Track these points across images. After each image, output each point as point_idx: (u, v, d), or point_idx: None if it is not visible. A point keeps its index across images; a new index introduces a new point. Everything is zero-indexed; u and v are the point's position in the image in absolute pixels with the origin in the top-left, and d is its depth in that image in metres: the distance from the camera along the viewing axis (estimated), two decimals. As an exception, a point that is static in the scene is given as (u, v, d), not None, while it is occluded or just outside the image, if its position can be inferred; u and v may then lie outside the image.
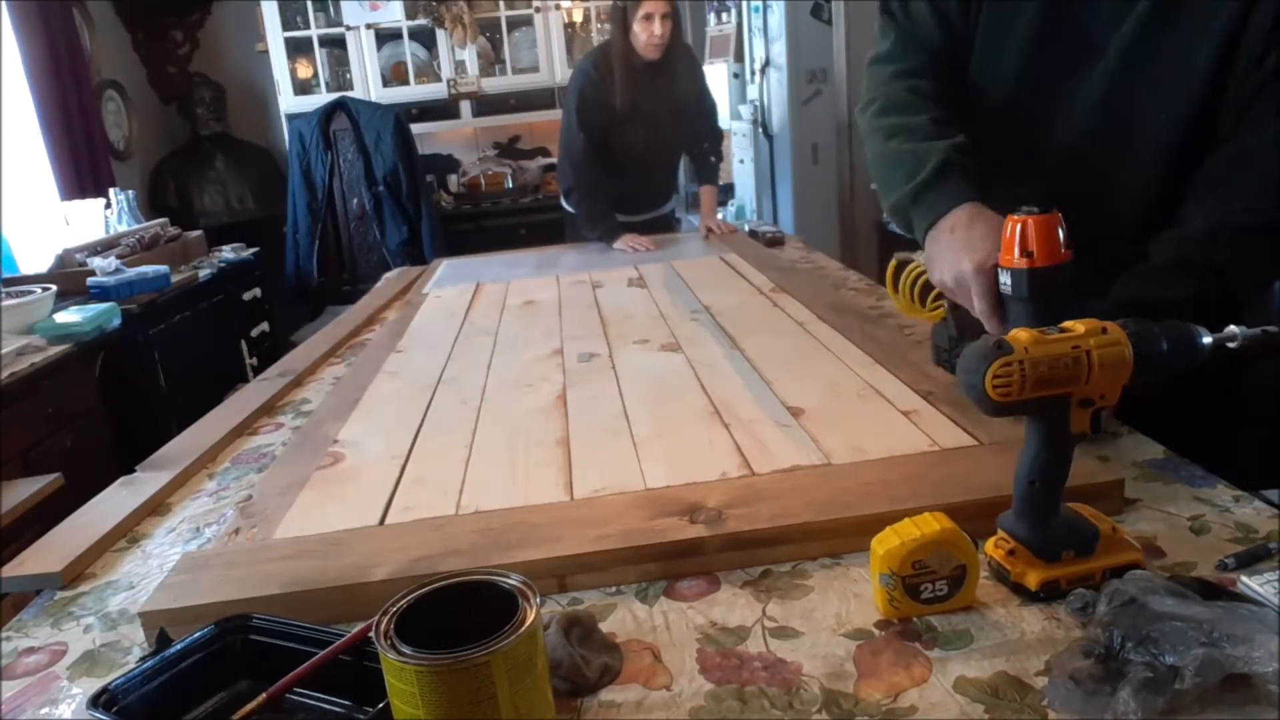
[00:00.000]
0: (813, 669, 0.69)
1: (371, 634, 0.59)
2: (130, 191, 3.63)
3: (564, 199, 2.83)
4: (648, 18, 2.49)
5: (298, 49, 4.44)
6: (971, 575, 0.74)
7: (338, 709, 0.71)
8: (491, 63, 4.67)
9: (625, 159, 2.75)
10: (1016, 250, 0.88)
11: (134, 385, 2.77)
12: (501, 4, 4.50)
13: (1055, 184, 1.15)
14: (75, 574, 0.98)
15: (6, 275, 3.00)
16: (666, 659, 0.73)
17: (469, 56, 4.49)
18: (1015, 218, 0.89)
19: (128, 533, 1.08)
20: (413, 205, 4.19)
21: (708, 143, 2.92)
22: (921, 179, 1.10)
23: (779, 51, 4.79)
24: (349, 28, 4.39)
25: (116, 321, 2.66)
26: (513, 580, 0.63)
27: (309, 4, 4.36)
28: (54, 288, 2.67)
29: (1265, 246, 1.01)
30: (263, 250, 3.83)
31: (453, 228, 4.42)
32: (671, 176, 3.05)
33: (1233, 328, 0.74)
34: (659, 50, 2.54)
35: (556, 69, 4.55)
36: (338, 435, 1.28)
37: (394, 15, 4.40)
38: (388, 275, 2.72)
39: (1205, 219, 1.03)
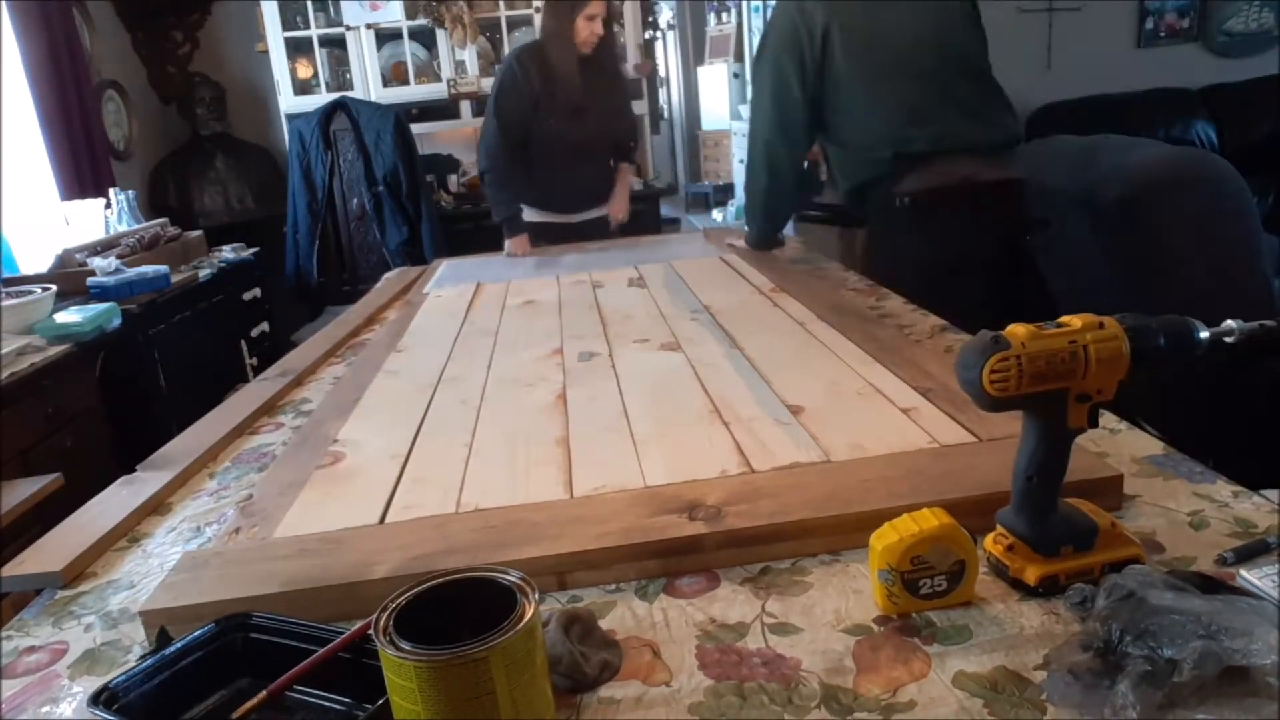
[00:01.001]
0: (812, 664, 0.70)
1: (371, 631, 0.59)
2: (130, 191, 3.62)
3: (480, 181, 2.94)
4: (590, 17, 2.66)
5: (298, 49, 4.44)
6: (970, 571, 0.74)
7: (338, 706, 0.71)
8: (491, 63, 4.66)
9: (556, 151, 2.80)
10: None
11: (134, 385, 2.77)
12: (501, 4, 4.50)
13: None
14: (76, 573, 0.98)
15: (6, 275, 3.00)
16: (666, 655, 0.73)
17: (469, 56, 4.49)
18: None
19: (128, 532, 1.08)
20: (413, 205, 4.19)
21: (632, 142, 3.14)
22: None
23: (778, 51, 4.78)
24: (349, 28, 4.39)
25: (116, 321, 2.66)
26: (511, 577, 0.63)
27: (309, 4, 4.36)
28: (54, 288, 2.67)
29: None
30: (263, 250, 3.83)
31: (453, 228, 4.42)
32: (607, 178, 3.07)
33: (1230, 322, 0.75)
34: (592, 47, 2.70)
35: (556, 69, 4.54)
36: (338, 435, 1.28)
37: (394, 15, 4.40)
38: (388, 275, 2.72)
39: None
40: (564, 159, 2.83)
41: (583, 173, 2.94)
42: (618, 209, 3.01)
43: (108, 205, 3.49)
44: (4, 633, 0.88)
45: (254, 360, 3.59)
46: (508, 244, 2.73)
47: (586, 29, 2.66)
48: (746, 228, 2.33)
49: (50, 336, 2.48)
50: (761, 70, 2.04)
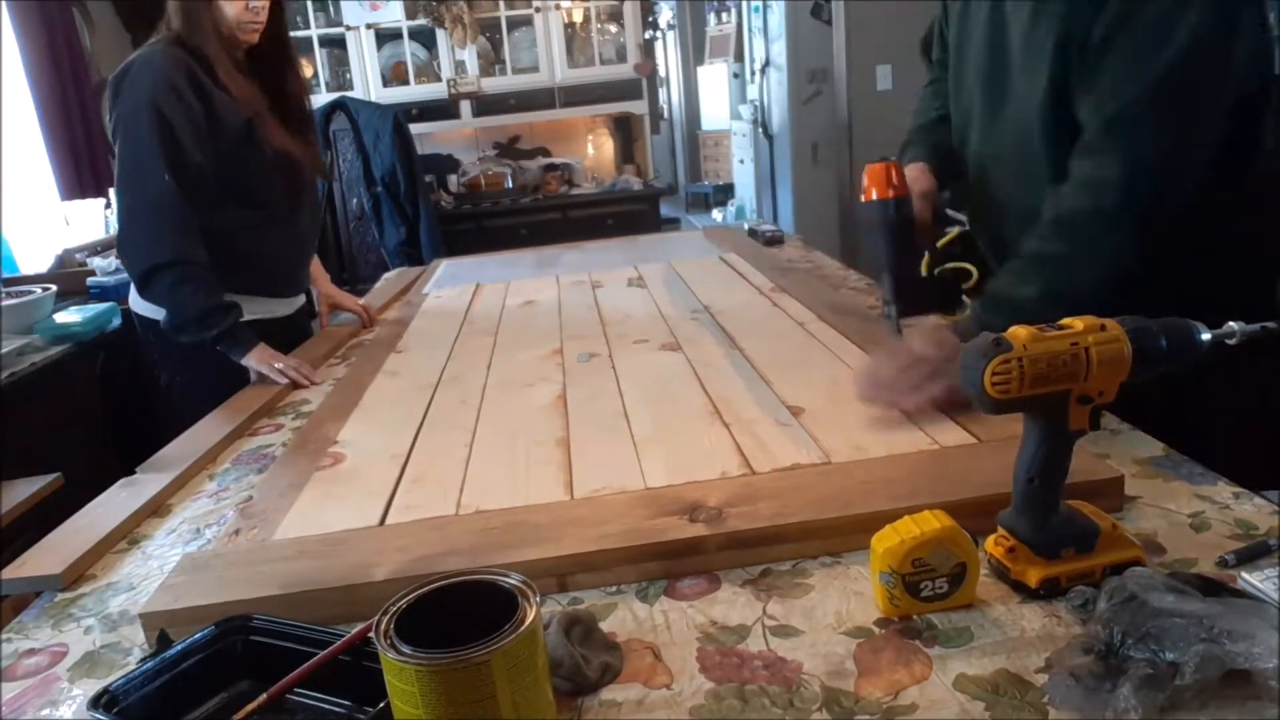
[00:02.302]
0: (813, 667, 0.69)
1: (371, 634, 0.59)
2: (130, 192, 3.62)
3: (141, 288, 1.72)
4: None
5: (298, 49, 4.44)
6: (971, 573, 0.74)
7: (338, 709, 0.71)
8: (491, 63, 4.67)
9: (253, 204, 1.76)
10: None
11: (134, 385, 2.77)
12: (501, 4, 4.50)
13: (974, 187, 1.37)
14: (76, 575, 0.98)
15: (6, 275, 3.00)
16: (667, 658, 0.73)
17: (469, 56, 4.49)
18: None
19: (128, 534, 1.08)
20: (411, 206, 4.19)
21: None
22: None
23: (779, 51, 4.80)
24: (349, 28, 4.40)
25: (116, 321, 2.65)
26: (512, 579, 0.63)
27: (309, 4, 4.37)
28: (54, 288, 2.67)
29: (1091, 232, 1.07)
30: (263, 250, 3.82)
31: (453, 228, 4.43)
32: (315, 240, 2.05)
33: (1231, 324, 0.75)
34: (256, 33, 1.72)
35: (556, 69, 4.55)
36: (338, 435, 1.28)
37: (394, 15, 4.41)
38: (387, 275, 2.72)
39: (1047, 213, 1.11)
40: (265, 211, 1.79)
41: (292, 235, 1.88)
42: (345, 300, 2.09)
43: (108, 205, 3.49)
44: (4, 635, 0.88)
45: (254, 360, 3.58)
46: (256, 361, 1.63)
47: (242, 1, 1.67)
48: (1013, 292, 1.12)
49: (50, 336, 2.48)
50: None
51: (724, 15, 6.50)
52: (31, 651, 0.85)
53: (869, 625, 0.74)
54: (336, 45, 4.50)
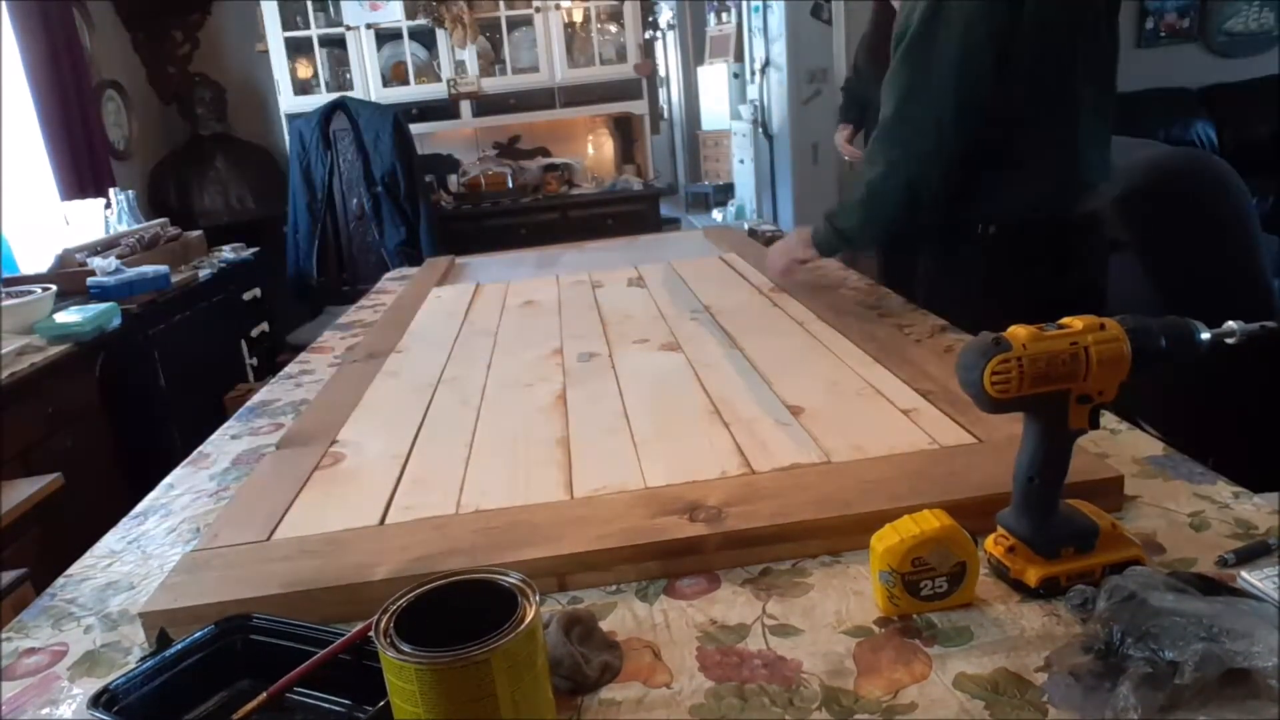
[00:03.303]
0: (813, 666, 0.70)
1: (371, 633, 0.59)
2: (130, 191, 3.62)
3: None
4: None
5: (298, 49, 4.44)
6: (971, 572, 0.74)
7: (338, 708, 0.71)
8: (491, 63, 4.67)
9: None
10: None
11: (134, 385, 2.77)
12: (501, 4, 4.50)
13: None
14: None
15: (6, 275, 2.99)
16: (666, 657, 0.73)
17: (469, 56, 4.49)
18: None
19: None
20: (411, 206, 4.19)
21: None
22: None
23: (779, 51, 4.80)
24: (349, 28, 4.39)
25: (116, 321, 2.65)
26: (512, 579, 0.63)
27: (309, 4, 4.36)
28: (54, 288, 2.67)
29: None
30: (263, 250, 3.83)
31: (453, 228, 4.42)
32: None
33: (1231, 324, 0.75)
34: None
35: (556, 69, 4.55)
36: (338, 435, 1.28)
37: (394, 15, 4.40)
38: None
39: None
40: None
41: None
42: None
43: (108, 205, 3.49)
44: (4, 635, 0.88)
45: (254, 360, 3.58)
46: None
47: None
48: (833, 223, 1.61)
49: (50, 336, 2.47)
50: (943, 22, 1.43)
51: (724, 15, 6.51)
52: (31, 651, 0.85)
53: (869, 624, 0.74)
54: (336, 45, 4.50)
